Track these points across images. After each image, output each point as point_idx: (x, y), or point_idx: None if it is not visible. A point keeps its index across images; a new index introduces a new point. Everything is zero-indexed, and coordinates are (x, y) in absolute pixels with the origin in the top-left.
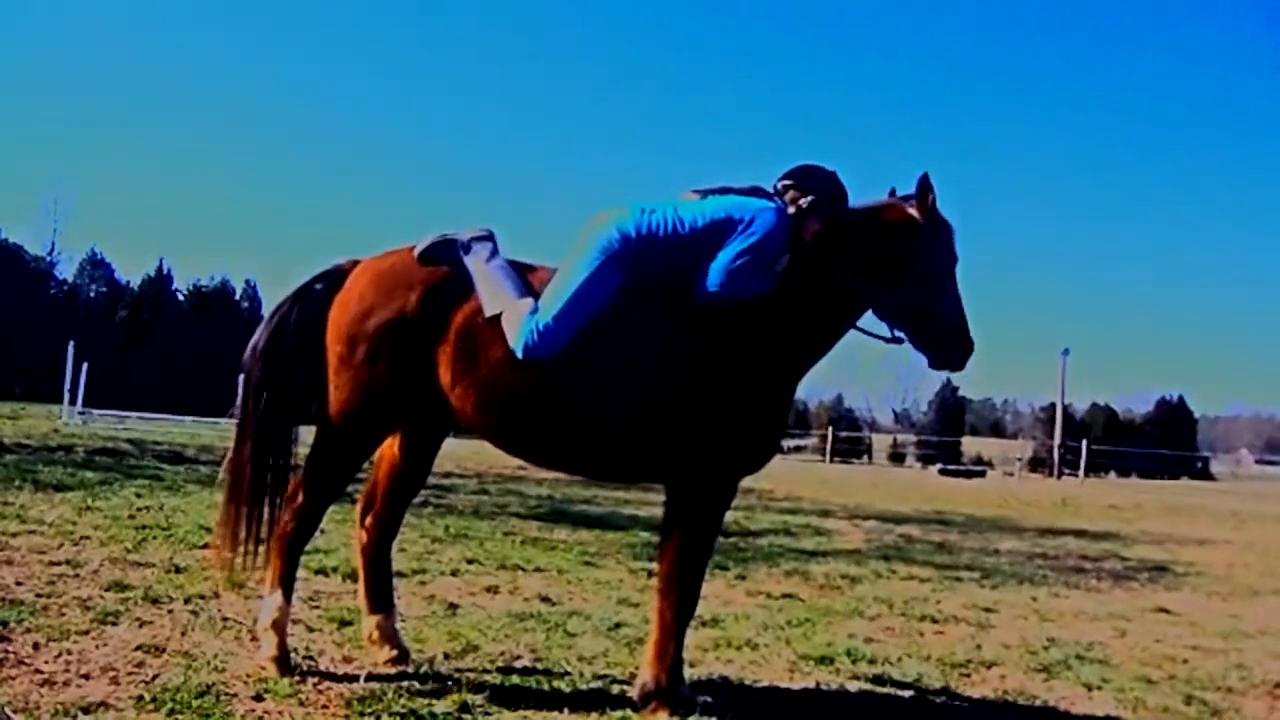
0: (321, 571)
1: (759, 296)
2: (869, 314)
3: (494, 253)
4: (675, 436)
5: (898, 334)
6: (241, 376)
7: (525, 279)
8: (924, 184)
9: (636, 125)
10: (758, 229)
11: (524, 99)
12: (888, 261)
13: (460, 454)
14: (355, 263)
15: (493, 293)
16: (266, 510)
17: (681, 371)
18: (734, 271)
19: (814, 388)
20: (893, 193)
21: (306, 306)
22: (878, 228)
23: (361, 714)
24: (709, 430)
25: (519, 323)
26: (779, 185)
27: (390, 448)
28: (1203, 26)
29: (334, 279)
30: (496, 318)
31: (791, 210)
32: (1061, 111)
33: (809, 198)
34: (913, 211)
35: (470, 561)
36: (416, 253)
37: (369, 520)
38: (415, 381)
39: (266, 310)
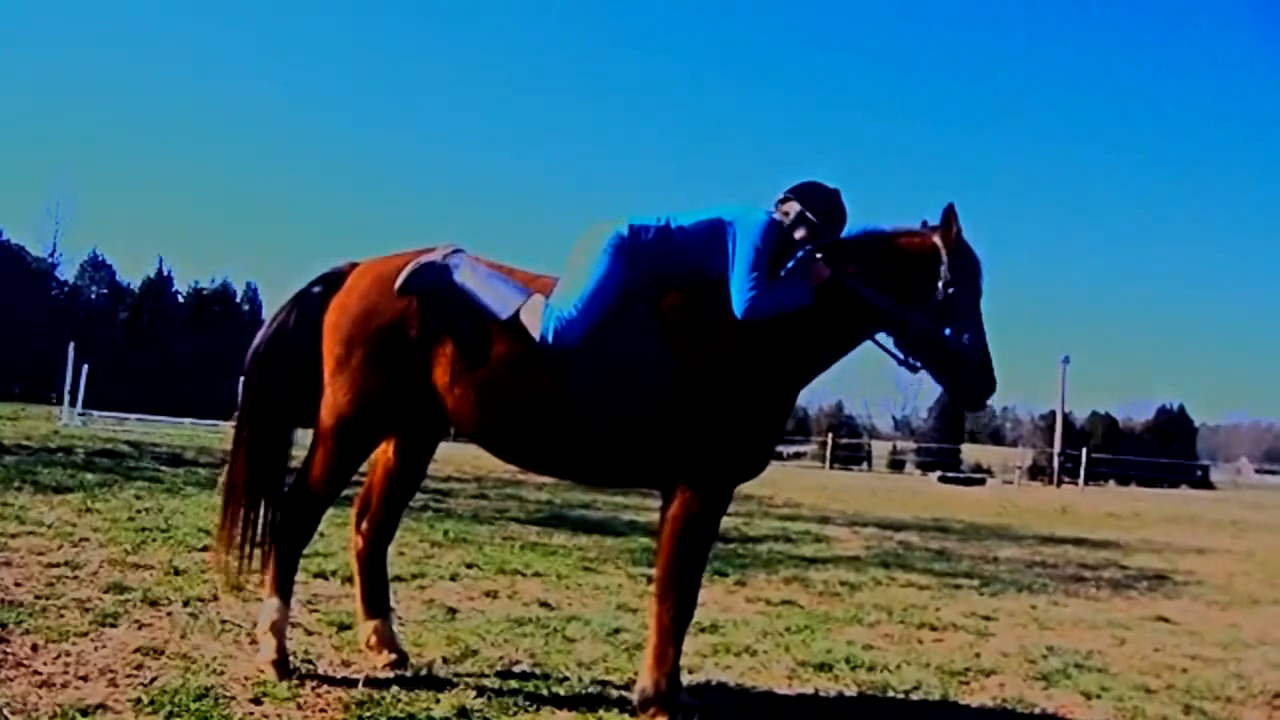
0: (320, 575)
1: (800, 306)
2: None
3: (474, 264)
4: (674, 441)
5: (913, 361)
6: (241, 381)
7: (516, 281)
8: (949, 214)
9: (640, 129)
10: (747, 236)
11: (528, 102)
12: (904, 286)
13: (460, 458)
14: (354, 265)
15: (500, 297)
16: (262, 514)
17: (682, 377)
18: (753, 285)
19: (814, 394)
20: (924, 224)
21: (304, 310)
22: (893, 252)
23: (360, 718)
24: (708, 436)
25: (540, 313)
26: (777, 200)
27: (385, 452)
28: (1205, 33)
29: (332, 282)
30: (514, 317)
31: (778, 217)
32: (1062, 118)
33: (793, 202)
34: (936, 240)
35: (469, 566)
36: (396, 287)
37: (364, 525)
38: (413, 384)
39: (267, 313)
